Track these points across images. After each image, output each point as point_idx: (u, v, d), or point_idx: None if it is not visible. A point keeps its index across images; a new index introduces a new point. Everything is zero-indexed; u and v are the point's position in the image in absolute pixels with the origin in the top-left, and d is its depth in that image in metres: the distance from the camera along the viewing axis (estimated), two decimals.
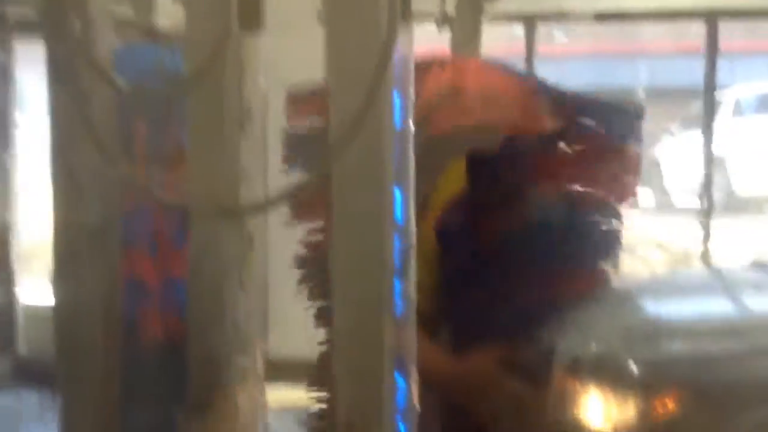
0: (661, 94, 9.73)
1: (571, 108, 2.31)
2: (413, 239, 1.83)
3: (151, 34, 2.68)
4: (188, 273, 1.72)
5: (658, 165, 10.30)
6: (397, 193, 1.80)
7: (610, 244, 2.44)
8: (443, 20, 2.61)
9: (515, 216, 2.22)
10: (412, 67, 1.78)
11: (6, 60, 3.68)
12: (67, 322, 1.71)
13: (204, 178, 1.67)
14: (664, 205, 10.23)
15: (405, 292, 1.79)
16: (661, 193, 10.43)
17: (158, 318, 2.30)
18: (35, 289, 4.44)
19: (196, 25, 1.73)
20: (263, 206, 1.60)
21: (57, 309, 1.70)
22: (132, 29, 2.68)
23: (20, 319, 4.45)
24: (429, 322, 2.03)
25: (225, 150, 1.66)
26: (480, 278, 2.19)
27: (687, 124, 9.54)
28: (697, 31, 6.15)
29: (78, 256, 1.67)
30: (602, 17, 4.09)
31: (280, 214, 1.64)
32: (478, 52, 2.56)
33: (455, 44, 2.54)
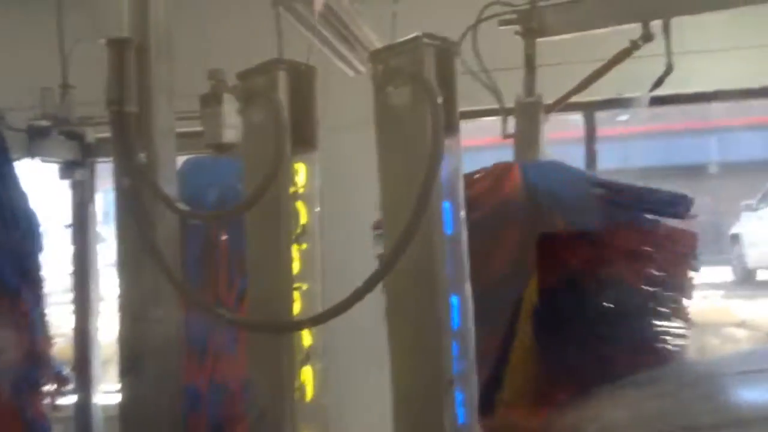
0: (735, 170, 9.50)
1: (627, 199, 2.52)
2: (472, 344, 1.82)
3: (217, 148, 2.81)
4: (245, 382, 1.75)
5: (738, 240, 9.95)
6: (454, 300, 1.81)
7: (676, 321, 2.54)
8: (506, 135, 2.89)
9: (585, 296, 2.42)
10: (461, 175, 1.82)
11: (87, 177, 3.92)
12: (132, 425, 1.74)
13: (261, 292, 1.72)
14: (746, 280, 9.81)
15: (467, 401, 1.77)
16: (742, 268, 10.02)
17: (207, 422, 2.32)
18: (112, 390, 4.55)
19: (255, 143, 1.83)
20: (319, 320, 1.63)
21: (123, 413, 1.74)
22: (197, 142, 2.83)
23: (98, 420, 4.55)
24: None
25: (281, 265, 1.72)
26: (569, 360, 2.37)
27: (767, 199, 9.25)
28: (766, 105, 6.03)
29: (142, 366, 1.72)
30: (663, 101, 4.06)
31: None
32: (538, 156, 2.78)
33: (518, 154, 2.80)
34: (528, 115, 2.80)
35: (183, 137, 1.88)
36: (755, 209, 9.75)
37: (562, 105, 2.98)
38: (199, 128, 2.85)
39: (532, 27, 2.83)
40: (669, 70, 2.80)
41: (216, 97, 2.68)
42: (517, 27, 2.86)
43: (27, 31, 4.41)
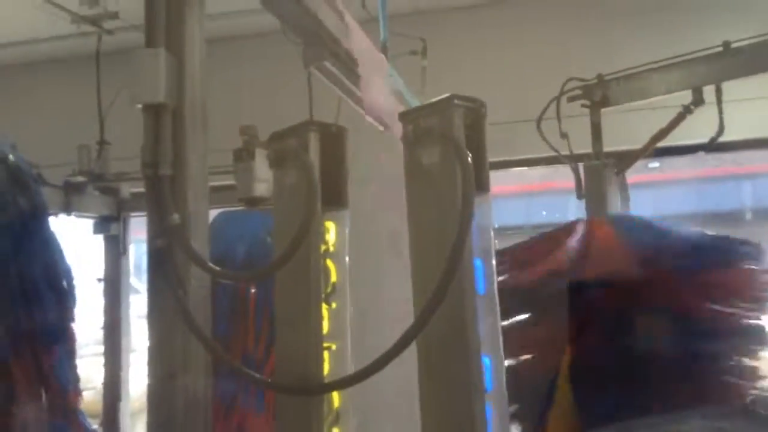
0: None
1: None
2: (506, 406, 1.78)
3: (249, 202, 2.84)
4: None
5: None
6: (486, 361, 1.78)
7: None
8: (580, 195, 3.31)
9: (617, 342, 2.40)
10: (492, 233, 1.81)
11: (120, 231, 3.98)
12: None
13: (290, 352, 1.71)
14: None
15: None
16: None
17: None
18: None
19: (286, 203, 1.84)
20: (350, 382, 1.61)
21: None
22: (230, 196, 2.86)
23: None
24: None
25: (311, 325, 1.71)
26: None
27: None
28: None
29: (171, 428, 1.70)
30: (685, 151, 4.16)
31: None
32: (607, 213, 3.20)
33: (589, 210, 3.26)
34: (597, 176, 3.22)
35: (216, 191, 1.90)
36: None
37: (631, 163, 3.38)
38: (230, 182, 2.89)
39: (596, 100, 3.27)
40: (721, 131, 3.11)
41: (248, 153, 2.73)
42: (585, 101, 3.30)
43: (66, 90, 4.54)
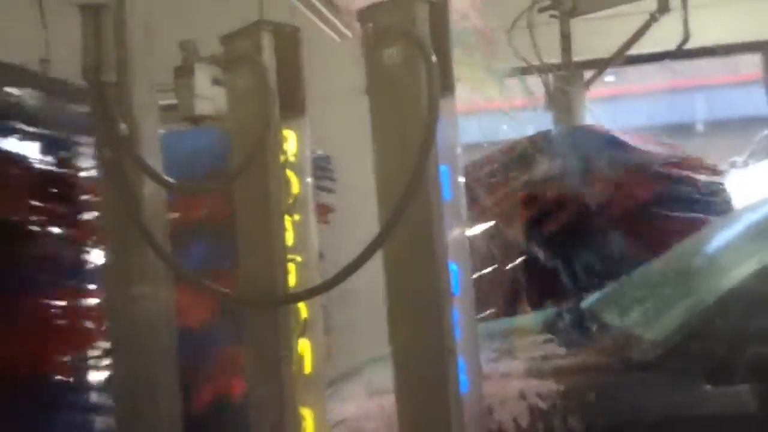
0: (722, 127, 9.44)
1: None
2: (473, 312, 1.77)
3: (192, 120, 2.73)
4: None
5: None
6: (453, 267, 1.76)
7: None
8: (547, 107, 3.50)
9: None
10: (458, 138, 1.75)
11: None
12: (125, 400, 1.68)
13: (254, 265, 1.66)
14: None
15: (470, 369, 1.72)
16: None
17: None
18: None
19: (240, 110, 1.75)
20: (314, 292, 1.57)
21: (116, 388, 1.68)
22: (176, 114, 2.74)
23: None
24: None
25: (274, 237, 1.65)
26: None
27: (756, 155, 9.22)
28: (752, 61, 5.96)
29: (134, 342, 1.65)
30: (651, 58, 4.17)
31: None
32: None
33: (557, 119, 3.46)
34: (564, 87, 3.39)
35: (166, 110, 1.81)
36: (744, 166, 9.74)
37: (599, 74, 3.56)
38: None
39: (566, 9, 3.37)
40: (686, 38, 3.28)
41: (187, 69, 2.61)
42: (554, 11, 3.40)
43: None
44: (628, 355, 2.00)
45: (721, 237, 2.58)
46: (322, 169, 3.12)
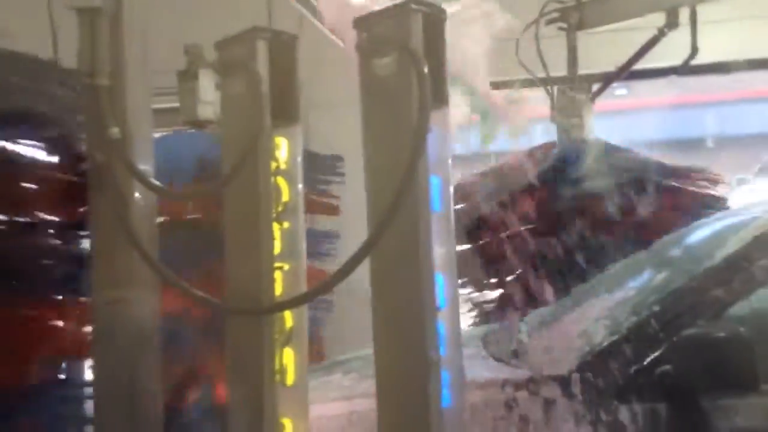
0: (732, 144, 9.41)
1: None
2: (458, 324, 1.76)
3: (194, 124, 2.74)
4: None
5: None
6: (440, 279, 1.75)
7: None
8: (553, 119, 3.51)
9: None
10: (450, 149, 1.75)
11: None
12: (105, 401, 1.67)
13: (241, 273, 1.66)
14: None
15: (453, 383, 1.71)
16: None
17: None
18: None
19: (233, 116, 1.75)
20: (299, 301, 1.57)
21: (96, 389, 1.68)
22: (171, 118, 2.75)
23: None
24: None
25: (261, 245, 1.65)
26: None
27: (764, 171, 9.17)
28: (765, 78, 5.94)
29: (116, 345, 1.65)
30: (657, 73, 4.16)
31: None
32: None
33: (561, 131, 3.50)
34: (570, 100, 3.41)
35: (165, 113, 1.82)
36: (750, 182, 9.69)
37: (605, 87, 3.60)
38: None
39: (573, 23, 3.39)
40: (694, 53, 3.24)
41: (192, 73, 2.62)
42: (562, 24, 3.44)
43: None
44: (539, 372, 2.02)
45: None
46: (332, 168, 3.09)
